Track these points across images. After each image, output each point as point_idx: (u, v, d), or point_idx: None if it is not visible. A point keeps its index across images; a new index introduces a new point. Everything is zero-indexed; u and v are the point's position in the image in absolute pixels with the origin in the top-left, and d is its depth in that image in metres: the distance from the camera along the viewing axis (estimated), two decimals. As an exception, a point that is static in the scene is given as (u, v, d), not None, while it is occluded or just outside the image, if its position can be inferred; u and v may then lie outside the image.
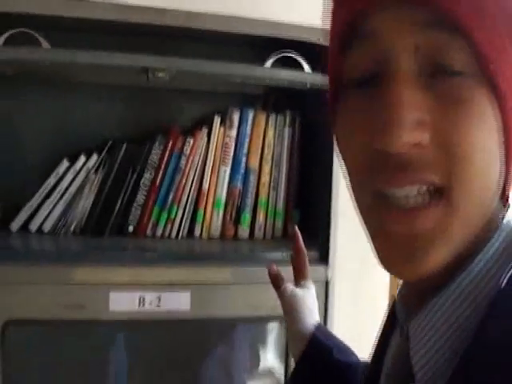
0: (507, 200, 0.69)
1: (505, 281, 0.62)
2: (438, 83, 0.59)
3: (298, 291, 1.31)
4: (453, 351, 0.62)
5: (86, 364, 1.77)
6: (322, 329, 1.25)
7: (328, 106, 0.73)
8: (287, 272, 1.58)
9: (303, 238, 1.88)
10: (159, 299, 1.65)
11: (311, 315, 1.26)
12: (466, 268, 0.64)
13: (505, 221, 0.67)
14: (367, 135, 0.60)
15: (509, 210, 0.69)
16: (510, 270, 0.62)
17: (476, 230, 0.63)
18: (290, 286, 1.32)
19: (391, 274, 0.66)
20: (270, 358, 1.88)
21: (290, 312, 1.28)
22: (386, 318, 0.83)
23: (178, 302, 1.67)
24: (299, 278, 1.37)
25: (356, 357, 1.19)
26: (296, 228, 1.46)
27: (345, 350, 1.20)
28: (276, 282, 1.36)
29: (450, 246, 0.61)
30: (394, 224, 0.62)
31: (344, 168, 0.69)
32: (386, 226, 0.63)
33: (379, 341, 0.84)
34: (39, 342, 1.74)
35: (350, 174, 0.68)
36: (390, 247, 0.63)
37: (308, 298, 1.30)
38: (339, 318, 1.81)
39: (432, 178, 0.59)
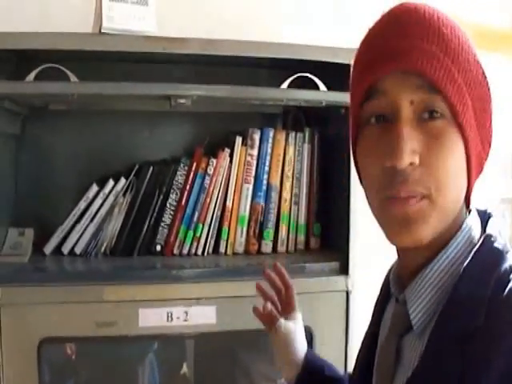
0: (469, 204, 0.98)
1: (468, 259, 0.91)
2: (426, 124, 0.88)
3: (290, 325, 1.40)
4: (437, 305, 0.91)
5: (118, 378, 1.84)
6: (311, 353, 1.40)
7: (350, 140, 1.00)
8: (308, 283, 1.66)
9: (324, 250, 1.94)
10: (186, 314, 1.71)
11: (302, 344, 1.39)
12: (444, 250, 0.93)
13: (468, 217, 0.97)
14: (380, 157, 0.88)
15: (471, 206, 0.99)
16: (471, 251, 0.92)
17: (450, 220, 0.92)
18: (282, 323, 1.41)
19: (395, 243, 0.93)
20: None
21: (284, 346, 1.39)
22: (380, 294, 1.14)
23: (205, 316, 1.73)
24: (288, 310, 1.46)
25: (341, 373, 1.39)
26: (278, 264, 1.50)
27: (333, 368, 1.38)
28: (270, 320, 1.43)
29: (432, 226, 0.89)
30: (395, 209, 0.89)
31: (362, 181, 0.97)
32: (390, 211, 0.89)
33: (376, 311, 1.13)
34: (73, 358, 1.82)
35: (366, 185, 0.96)
36: (393, 224, 0.90)
37: (298, 330, 1.41)
38: (359, 328, 1.86)
39: (420, 190, 0.88)
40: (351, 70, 0.98)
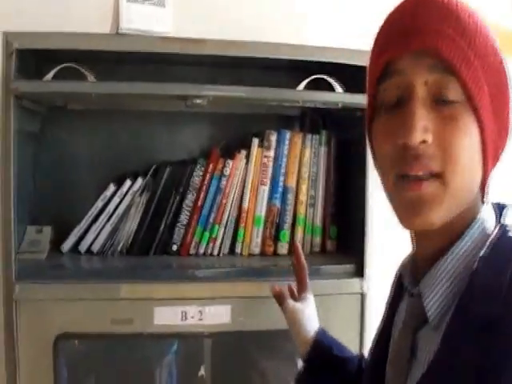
0: (485, 191, 0.97)
1: (484, 249, 0.91)
2: (439, 107, 0.89)
3: (298, 306, 1.53)
4: (453, 296, 0.91)
5: (133, 375, 1.85)
6: (322, 333, 1.48)
7: (366, 121, 1.02)
8: (323, 285, 1.67)
9: (340, 253, 1.95)
10: (201, 313, 1.73)
11: (311, 323, 1.48)
12: (459, 241, 0.93)
13: (483, 207, 0.97)
14: (394, 136, 0.90)
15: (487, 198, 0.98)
16: (486, 242, 0.92)
17: (463, 207, 0.92)
18: (290, 303, 1.54)
19: (406, 227, 0.94)
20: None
21: (293, 324, 1.51)
22: (391, 291, 1.18)
23: (219, 316, 1.75)
24: (300, 290, 1.58)
25: (352, 353, 1.46)
26: (297, 243, 1.66)
27: (342, 348, 1.46)
28: (279, 299, 1.57)
29: (445, 209, 0.90)
30: (408, 191, 0.90)
31: (376, 162, 0.99)
32: (403, 193, 0.91)
33: (388, 307, 1.15)
34: (89, 354, 1.84)
35: (380, 165, 0.97)
36: (406, 207, 0.91)
37: (307, 309, 1.52)
38: (374, 330, 1.86)
39: (433, 166, 0.88)
40: (370, 49, 1.01)
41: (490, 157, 0.92)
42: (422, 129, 0.87)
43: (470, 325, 0.85)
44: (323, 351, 1.43)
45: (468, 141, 0.88)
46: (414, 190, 0.89)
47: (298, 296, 1.57)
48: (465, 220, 0.94)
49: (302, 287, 1.58)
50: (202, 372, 1.88)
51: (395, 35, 0.93)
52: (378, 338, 1.15)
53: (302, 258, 1.60)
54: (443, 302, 0.92)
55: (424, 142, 0.87)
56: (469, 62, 0.88)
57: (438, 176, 0.88)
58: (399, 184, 0.91)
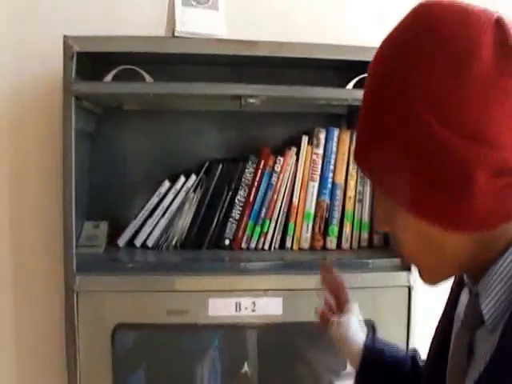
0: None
1: None
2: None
3: (343, 320, 1.43)
4: (508, 298, 0.88)
5: (188, 363, 1.92)
6: (370, 340, 1.41)
7: None
8: (371, 278, 1.74)
9: (387, 248, 1.98)
10: (254, 304, 1.79)
11: (358, 334, 1.40)
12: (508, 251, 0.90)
13: None
14: None
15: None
16: None
17: (474, 258, 0.92)
18: (334, 322, 1.44)
19: None
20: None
21: (341, 341, 1.42)
22: (454, 283, 1.13)
23: (271, 308, 1.80)
24: (342, 305, 1.48)
25: (403, 352, 1.41)
26: (328, 260, 1.68)
27: (393, 349, 1.40)
28: (323, 320, 1.49)
29: (443, 277, 0.97)
30: None
31: None
32: None
33: (450, 300, 1.12)
34: (145, 344, 1.91)
35: None
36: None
37: (352, 322, 1.43)
38: (422, 323, 1.90)
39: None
40: None
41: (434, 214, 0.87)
42: (381, 221, 0.95)
43: None
44: (374, 358, 1.38)
45: (406, 228, 0.92)
46: None
47: (341, 310, 1.48)
48: (505, 237, 0.90)
49: (344, 301, 1.49)
50: (253, 362, 1.94)
51: None
52: (439, 334, 1.15)
53: (336, 273, 1.51)
54: (500, 306, 0.90)
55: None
56: (368, 161, 0.92)
57: None
58: None
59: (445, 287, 1.25)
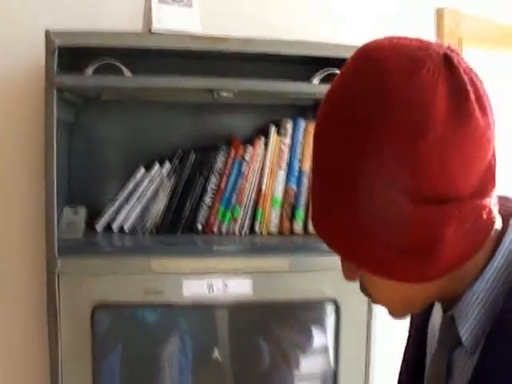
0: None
1: None
2: None
3: None
4: (486, 321, 0.89)
5: (163, 341, 2.02)
6: None
7: None
8: (334, 260, 1.81)
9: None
10: (226, 285, 1.89)
11: None
12: (488, 265, 0.90)
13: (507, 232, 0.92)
14: None
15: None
16: None
17: (441, 290, 0.93)
18: None
19: None
20: (323, 338, 2.09)
21: None
22: None
23: (242, 288, 1.90)
24: None
25: None
26: None
27: None
28: None
29: (422, 306, 0.98)
30: None
31: None
32: None
33: (417, 317, 1.14)
34: (123, 322, 2.01)
35: None
36: None
37: None
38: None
39: None
40: None
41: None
42: (348, 274, 0.96)
43: (504, 356, 0.84)
44: None
45: (378, 286, 0.93)
46: None
47: None
48: (485, 252, 0.90)
49: None
50: (225, 338, 2.04)
51: None
52: (412, 349, 1.15)
53: None
54: (478, 330, 0.90)
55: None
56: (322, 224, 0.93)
57: None
58: None
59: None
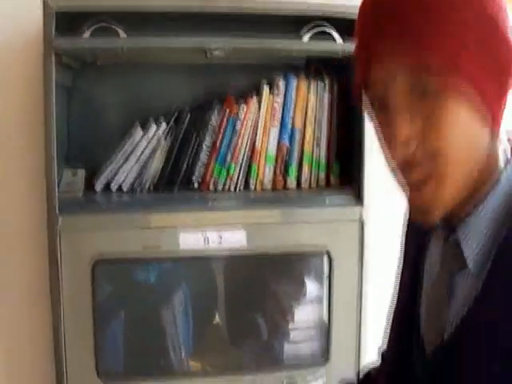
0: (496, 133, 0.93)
1: None
2: (418, 103, 0.88)
3: None
4: (492, 243, 0.92)
5: (161, 293, 2.10)
6: None
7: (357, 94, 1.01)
8: (327, 213, 1.94)
9: (343, 187, 2.13)
10: (221, 238, 1.96)
11: None
12: (492, 190, 0.93)
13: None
14: (387, 144, 0.92)
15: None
16: None
17: (469, 182, 0.92)
18: None
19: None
20: (314, 288, 2.17)
21: None
22: (410, 229, 1.20)
23: (237, 240, 1.97)
24: None
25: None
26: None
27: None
28: None
29: (446, 205, 0.92)
30: (411, 198, 0.95)
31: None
32: (408, 197, 0.95)
33: (412, 247, 1.16)
34: (123, 277, 2.08)
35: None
36: (412, 209, 0.98)
37: None
38: (374, 256, 2.10)
39: (423, 173, 0.90)
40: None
41: (493, 103, 0.90)
42: (403, 144, 0.88)
43: (510, 277, 0.86)
44: None
45: (454, 129, 0.88)
46: (414, 198, 0.94)
47: None
48: (491, 167, 0.94)
49: None
50: (220, 290, 2.11)
51: (361, 49, 0.95)
52: (404, 285, 1.17)
53: None
54: (483, 250, 0.92)
55: (411, 153, 0.89)
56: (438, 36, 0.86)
57: (433, 175, 0.90)
58: (403, 187, 0.95)
59: (394, 224, 1.37)
